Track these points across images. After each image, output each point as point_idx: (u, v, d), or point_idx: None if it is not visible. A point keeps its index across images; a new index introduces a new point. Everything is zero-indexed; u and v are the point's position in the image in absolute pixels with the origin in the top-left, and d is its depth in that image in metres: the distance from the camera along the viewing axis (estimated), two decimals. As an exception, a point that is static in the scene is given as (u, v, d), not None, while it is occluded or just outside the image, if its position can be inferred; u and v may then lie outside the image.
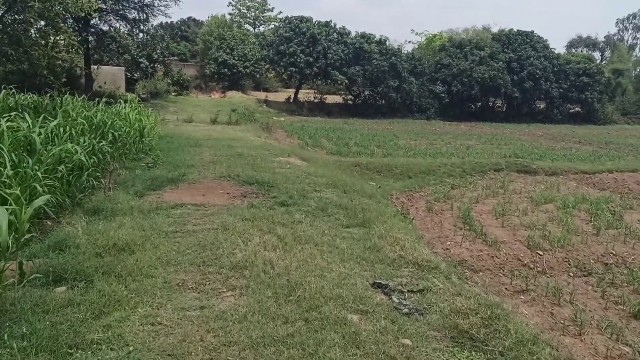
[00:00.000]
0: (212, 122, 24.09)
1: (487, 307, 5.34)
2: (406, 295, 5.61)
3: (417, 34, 59.09)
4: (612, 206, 13.28)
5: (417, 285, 5.91)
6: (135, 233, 6.68)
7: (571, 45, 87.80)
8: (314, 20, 43.96)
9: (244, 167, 12.07)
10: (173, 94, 41.20)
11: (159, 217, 7.77)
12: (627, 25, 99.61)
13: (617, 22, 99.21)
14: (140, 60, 38.99)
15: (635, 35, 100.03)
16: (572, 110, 50.07)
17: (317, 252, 6.53)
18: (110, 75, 35.97)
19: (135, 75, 38.77)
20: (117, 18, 30.30)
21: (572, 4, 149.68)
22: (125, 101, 16.24)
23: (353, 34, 44.70)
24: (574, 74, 47.75)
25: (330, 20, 44.50)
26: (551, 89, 46.96)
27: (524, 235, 10.22)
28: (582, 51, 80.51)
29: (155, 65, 39.94)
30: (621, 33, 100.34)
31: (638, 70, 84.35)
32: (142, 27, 34.06)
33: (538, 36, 48.67)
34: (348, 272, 6.06)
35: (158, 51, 40.11)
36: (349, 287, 5.57)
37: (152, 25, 39.89)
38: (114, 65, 38.65)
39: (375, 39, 44.33)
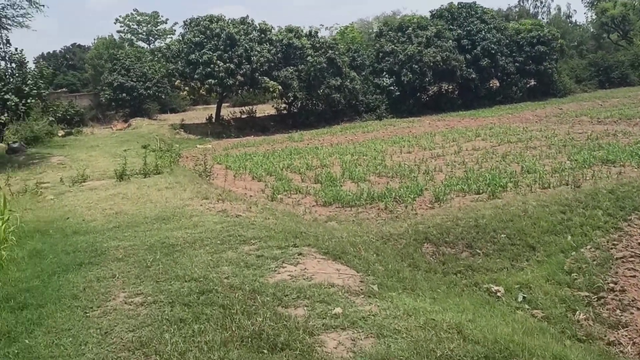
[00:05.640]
0: (118, 177, 15.20)
1: None
2: None
3: (326, 28, 53.26)
4: None
5: None
6: None
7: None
8: (227, 19, 35.56)
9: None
10: (60, 134, 31.47)
11: None
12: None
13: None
14: (5, 97, 28.97)
15: (536, 4, 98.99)
16: (528, 85, 44.73)
17: None
18: (-37, 124, 26.20)
19: (2, 118, 28.71)
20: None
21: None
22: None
23: (276, 29, 36.79)
24: (528, 44, 42.26)
25: (247, 16, 36.34)
26: (507, 65, 41.27)
27: None
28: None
29: (29, 100, 29.90)
30: (522, 3, 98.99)
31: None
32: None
33: (483, 7, 42.87)
34: None
35: (30, 82, 30.18)
36: None
37: (15, 49, 30.14)
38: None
39: (305, 32, 36.66)
